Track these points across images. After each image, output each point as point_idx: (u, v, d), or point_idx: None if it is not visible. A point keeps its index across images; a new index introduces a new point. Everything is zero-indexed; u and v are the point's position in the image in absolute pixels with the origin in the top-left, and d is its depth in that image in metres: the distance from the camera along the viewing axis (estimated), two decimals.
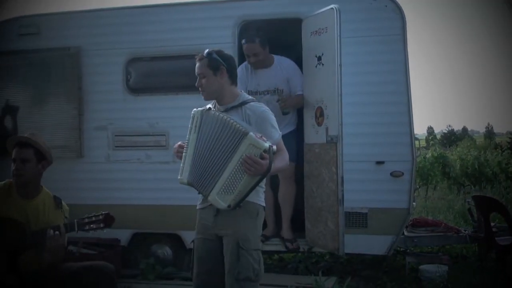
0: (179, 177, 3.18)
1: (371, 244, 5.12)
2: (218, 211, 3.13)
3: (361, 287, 5.22)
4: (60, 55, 5.66)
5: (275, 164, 2.99)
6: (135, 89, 5.56)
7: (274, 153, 2.97)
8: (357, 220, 5.11)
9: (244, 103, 3.19)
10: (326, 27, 4.76)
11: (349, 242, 4.76)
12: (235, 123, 2.99)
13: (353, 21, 4.99)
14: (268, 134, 3.08)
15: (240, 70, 5.03)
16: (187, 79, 5.42)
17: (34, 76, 5.75)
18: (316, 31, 4.94)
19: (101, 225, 3.24)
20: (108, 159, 5.60)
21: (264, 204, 3.26)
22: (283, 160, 3.18)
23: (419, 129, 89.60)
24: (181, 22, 5.45)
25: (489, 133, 64.77)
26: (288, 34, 5.43)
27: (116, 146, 5.57)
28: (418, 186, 12.49)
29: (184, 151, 3.17)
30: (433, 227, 5.85)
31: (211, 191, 3.03)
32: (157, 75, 5.59)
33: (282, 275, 5.51)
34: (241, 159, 2.92)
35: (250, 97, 3.30)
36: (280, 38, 5.53)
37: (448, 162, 14.36)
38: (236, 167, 2.95)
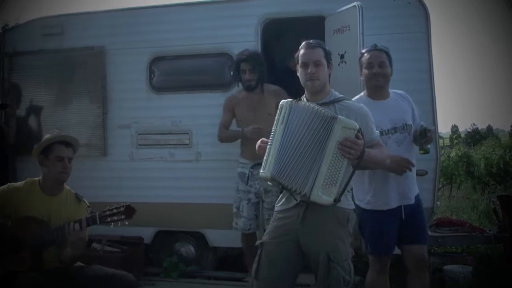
0: (261, 171, 2.94)
1: None
2: (305, 215, 2.96)
3: None
4: (84, 54, 5.73)
5: (371, 152, 2.90)
6: (159, 88, 5.60)
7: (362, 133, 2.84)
8: None
9: (335, 100, 3.06)
10: (349, 25, 4.72)
11: None
12: (323, 110, 2.86)
13: (376, 18, 4.95)
14: (369, 130, 2.99)
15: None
16: (210, 78, 5.47)
17: (58, 76, 5.83)
18: (339, 29, 4.90)
19: (122, 216, 3.18)
20: (131, 157, 5.65)
21: (353, 207, 3.08)
22: (381, 153, 3.06)
23: (443, 128, 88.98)
24: (204, 21, 5.45)
25: None
26: (311, 32, 5.40)
27: (140, 145, 5.62)
28: (441, 186, 12.35)
29: (269, 143, 2.94)
30: (458, 227, 5.77)
31: (311, 188, 2.83)
32: (180, 73, 5.61)
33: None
34: (337, 145, 2.78)
35: (340, 95, 3.14)
36: (303, 37, 5.49)
37: (472, 161, 14.16)
38: (334, 155, 2.80)
